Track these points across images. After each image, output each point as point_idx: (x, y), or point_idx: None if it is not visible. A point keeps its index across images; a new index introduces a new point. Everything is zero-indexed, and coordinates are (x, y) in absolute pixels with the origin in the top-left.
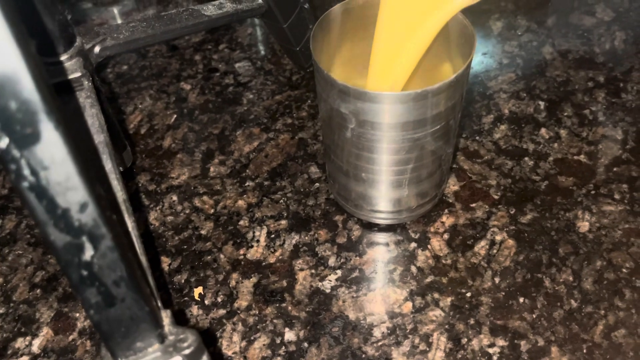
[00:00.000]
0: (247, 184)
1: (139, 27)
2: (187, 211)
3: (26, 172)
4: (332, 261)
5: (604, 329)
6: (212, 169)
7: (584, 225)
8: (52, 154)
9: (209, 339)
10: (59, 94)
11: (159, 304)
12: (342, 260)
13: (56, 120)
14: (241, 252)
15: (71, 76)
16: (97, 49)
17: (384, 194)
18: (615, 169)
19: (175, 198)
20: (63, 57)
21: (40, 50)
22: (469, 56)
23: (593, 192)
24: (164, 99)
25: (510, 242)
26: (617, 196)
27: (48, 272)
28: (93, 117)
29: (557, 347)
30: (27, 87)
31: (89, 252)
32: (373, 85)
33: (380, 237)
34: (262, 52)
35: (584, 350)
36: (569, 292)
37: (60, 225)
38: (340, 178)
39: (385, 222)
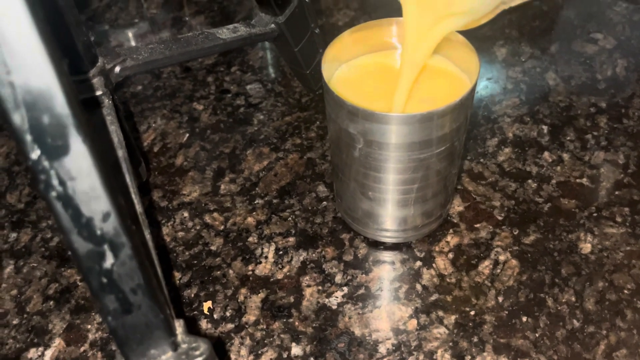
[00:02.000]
0: (256, 201)
1: (157, 48)
2: (198, 227)
3: (55, 182)
4: (338, 278)
5: (605, 348)
6: (222, 186)
7: (586, 247)
8: (79, 165)
9: (217, 352)
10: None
11: (172, 313)
12: (349, 277)
13: (84, 134)
14: (250, 268)
15: (95, 94)
16: (117, 69)
17: (390, 212)
18: (617, 193)
19: (186, 214)
20: (87, 76)
21: (68, 69)
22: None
23: (595, 214)
24: (177, 118)
25: (514, 262)
26: (618, 219)
27: (61, 284)
28: (113, 133)
29: None
30: (60, 102)
31: (109, 260)
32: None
33: (386, 255)
34: (273, 75)
35: None
36: (571, 312)
37: (83, 233)
38: (347, 196)
39: (391, 240)
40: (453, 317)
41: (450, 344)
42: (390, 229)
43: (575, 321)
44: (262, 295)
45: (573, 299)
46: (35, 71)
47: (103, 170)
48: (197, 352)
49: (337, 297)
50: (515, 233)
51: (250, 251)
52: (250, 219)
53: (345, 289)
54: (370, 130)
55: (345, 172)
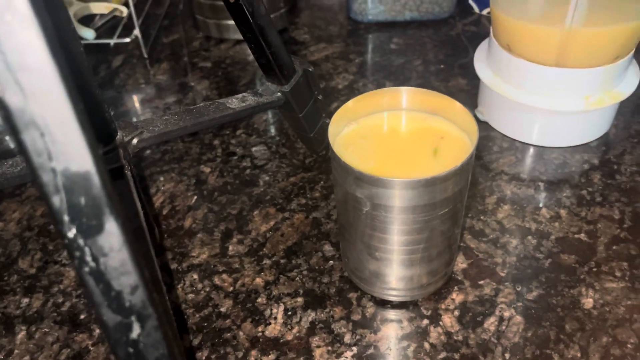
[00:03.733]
0: (264, 262)
1: (171, 120)
2: (207, 289)
3: (88, 258)
4: (347, 338)
5: None
6: (230, 247)
7: (588, 302)
8: (111, 243)
9: None
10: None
11: None
12: (357, 337)
13: (117, 213)
14: (259, 329)
15: (114, 166)
16: (135, 141)
17: (396, 272)
18: (614, 247)
19: (195, 276)
20: (108, 149)
21: None
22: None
23: (595, 269)
24: (184, 181)
25: (518, 318)
26: (618, 273)
27: (73, 349)
28: (134, 203)
29: None
30: (96, 185)
31: (136, 331)
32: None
33: (394, 314)
34: (277, 138)
35: None
36: None
37: (113, 306)
38: (354, 256)
39: (397, 299)
40: None
41: None
42: (396, 288)
43: None
44: (272, 356)
45: (579, 354)
46: (75, 158)
47: (133, 245)
48: None
49: (347, 357)
50: (519, 289)
51: (260, 312)
52: (258, 280)
53: (355, 348)
54: (377, 195)
55: (352, 233)
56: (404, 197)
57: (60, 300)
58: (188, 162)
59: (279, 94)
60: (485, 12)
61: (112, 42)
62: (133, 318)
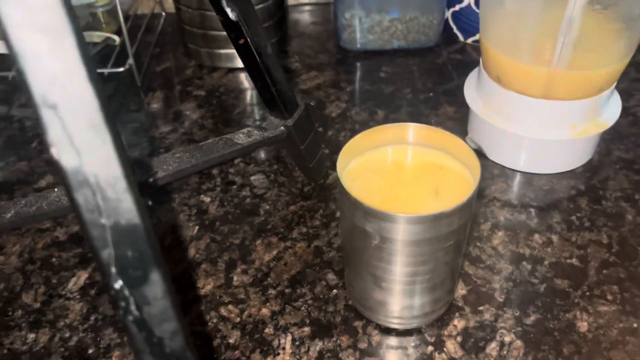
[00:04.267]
0: (269, 292)
1: (183, 157)
2: (215, 320)
3: (132, 307)
4: None
5: None
6: (235, 278)
7: (583, 325)
8: (155, 292)
9: None
10: None
11: None
12: None
13: (159, 264)
14: (269, 359)
15: None
16: (150, 181)
17: (401, 301)
18: (604, 271)
19: (202, 308)
20: None
21: None
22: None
23: (588, 293)
24: (185, 211)
25: (518, 342)
26: (609, 297)
27: None
28: None
29: None
30: (142, 238)
31: None
32: None
33: (399, 342)
34: (275, 166)
35: None
36: None
37: (155, 352)
38: (360, 285)
39: (402, 327)
40: None
41: None
42: (401, 317)
43: None
44: None
45: None
46: (124, 213)
47: (173, 293)
48: None
49: None
50: (517, 314)
51: (268, 343)
52: (264, 310)
53: None
54: (385, 228)
55: (358, 263)
56: (412, 231)
57: (67, 334)
58: (188, 192)
59: (282, 128)
60: (469, 40)
61: (106, 71)
62: None
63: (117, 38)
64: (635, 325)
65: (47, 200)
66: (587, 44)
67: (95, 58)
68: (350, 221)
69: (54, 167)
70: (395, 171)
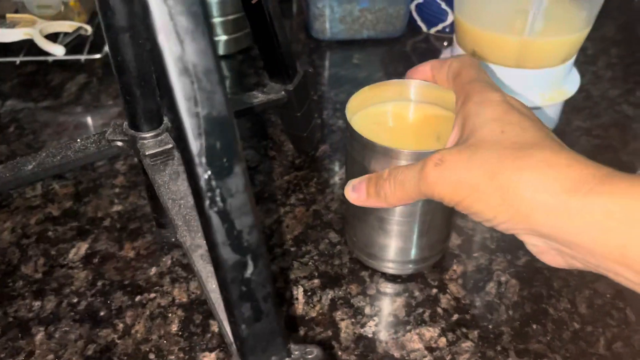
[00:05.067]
0: (275, 250)
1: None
2: None
3: (218, 199)
4: (367, 310)
5: (605, 343)
6: None
7: None
8: (237, 185)
9: None
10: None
11: None
12: (377, 308)
13: (241, 157)
14: (283, 309)
15: (167, 147)
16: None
17: (405, 244)
18: None
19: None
20: (160, 130)
21: (147, 126)
22: None
23: None
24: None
25: (514, 281)
26: None
27: (99, 344)
28: (185, 181)
29: None
30: (230, 130)
31: (249, 270)
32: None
33: (405, 287)
34: (264, 142)
35: None
36: (570, 317)
37: (234, 245)
38: (364, 232)
39: (405, 272)
40: (475, 332)
41: (479, 354)
42: (403, 261)
43: (575, 324)
44: (301, 332)
45: (569, 306)
46: (216, 104)
47: (250, 188)
48: (311, 356)
49: (370, 326)
50: (509, 258)
51: (280, 295)
52: (273, 267)
53: (376, 318)
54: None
55: (365, 209)
56: None
57: (75, 300)
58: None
59: (283, 92)
60: (432, 31)
61: (83, 57)
62: (249, 257)
63: (89, 28)
64: None
65: (72, 149)
66: (555, 14)
67: (68, 47)
68: (359, 165)
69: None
70: (398, 123)
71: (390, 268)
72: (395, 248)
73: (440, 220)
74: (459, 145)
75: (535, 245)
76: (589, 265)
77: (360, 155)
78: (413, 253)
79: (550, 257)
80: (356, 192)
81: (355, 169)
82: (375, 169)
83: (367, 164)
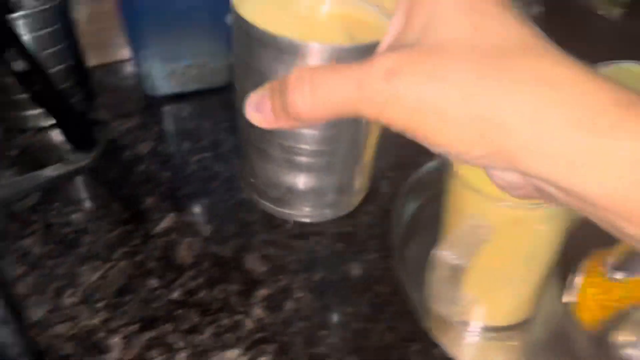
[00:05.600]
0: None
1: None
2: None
3: None
4: (181, 344)
5: (379, 336)
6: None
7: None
8: None
9: None
10: None
11: None
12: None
13: None
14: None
15: None
16: None
17: (310, 180)
18: None
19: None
20: None
21: None
22: None
23: None
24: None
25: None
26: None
27: None
28: None
29: None
30: None
31: None
32: None
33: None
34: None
35: None
36: (355, 319)
37: None
38: (266, 170)
39: (314, 219)
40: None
41: None
42: (313, 205)
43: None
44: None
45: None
46: None
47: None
48: None
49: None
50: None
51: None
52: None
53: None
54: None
55: (267, 138)
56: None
57: None
58: (9, 240)
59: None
60: None
61: None
62: None
63: None
64: None
65: None
66: None
67: None
68: (255, 72)
69: None
70: (308, 16)
71: (295, 215)
72: (302, 185)
73: (353, 157)
74: (412, 46)
75: (509, 182)
76: (587, 213)
77: (252, 54)
78: (323, 195)
79: (525, 192)
80: (260, 111)
81: (250, 77)
82: (278, 75)
83: (263, 67)
